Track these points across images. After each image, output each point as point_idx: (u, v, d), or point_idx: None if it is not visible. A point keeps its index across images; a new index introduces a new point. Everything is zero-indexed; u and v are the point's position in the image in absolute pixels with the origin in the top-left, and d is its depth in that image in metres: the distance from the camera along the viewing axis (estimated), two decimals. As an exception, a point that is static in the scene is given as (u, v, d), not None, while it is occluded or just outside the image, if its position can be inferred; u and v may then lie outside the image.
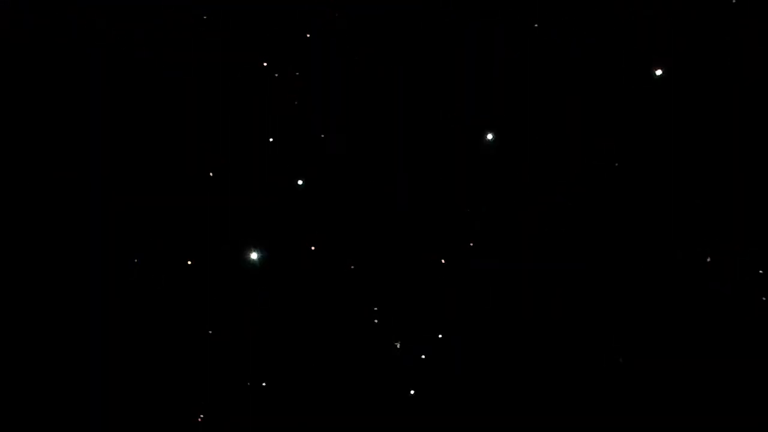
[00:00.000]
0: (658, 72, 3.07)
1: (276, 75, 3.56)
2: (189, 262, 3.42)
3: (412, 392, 3.36)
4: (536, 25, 3.54)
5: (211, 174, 3.48)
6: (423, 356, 3.38)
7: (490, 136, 3.09)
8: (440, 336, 3.40)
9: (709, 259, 3.39)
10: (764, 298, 3.37)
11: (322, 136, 3.41)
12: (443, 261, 3.41)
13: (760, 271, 3.39)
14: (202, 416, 3.32)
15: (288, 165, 3.51)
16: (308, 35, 3.58)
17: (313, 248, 3.45)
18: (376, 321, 3.42)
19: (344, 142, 3.44)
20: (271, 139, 3.52)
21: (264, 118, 3.54)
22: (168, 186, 3.46)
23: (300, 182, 3.26)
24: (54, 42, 3.53)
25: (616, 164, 3.49)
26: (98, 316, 3.33)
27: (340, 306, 3.43)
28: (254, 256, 3.29)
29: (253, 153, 3.51)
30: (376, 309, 3.43)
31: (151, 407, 3.33)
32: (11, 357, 3.32)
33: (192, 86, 3.52)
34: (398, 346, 3.38)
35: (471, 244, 3.45)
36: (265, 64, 3.55)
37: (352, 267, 3.45)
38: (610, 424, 3.30)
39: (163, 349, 3.37)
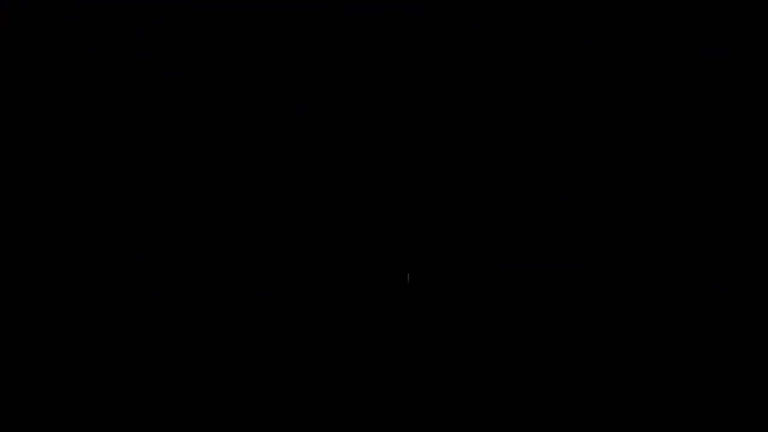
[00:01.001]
0: None
1: (276, 75, 3.56)
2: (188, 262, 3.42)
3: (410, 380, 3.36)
4: (536, 25, 3.54)
5: (210, 174, 3.49)
6: (423, 357, 3.39)
7: None
8: (440, 336, 3.40)
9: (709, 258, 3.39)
10: (764, 298, 3.37)
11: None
12: (457, 261, 3.41)
13: (760, 271, 3.39)
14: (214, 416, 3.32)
15: (288, 165, 3.51)
16: (308, 35, 3.58)
17: (319, 252, 3.45)
18: (375, 321, 3.42)
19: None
20: (271, 140, 3.52)
21: (264, 118, 3.54)
22: (168, 186, 3.47)
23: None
24: (54, 42, 3.53)
25: (616, 164, 3.49)
26: (98, 316, 3.34)
27: (340, 306, 3.43)
28: None
29: (253, 153, 3.51)
30: (375, 309, 3.43)
31: (151, 407, 3.33)
32: (11, 357, 3.32)
33: (192, 86, 3.52)
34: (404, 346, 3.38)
35: (470, 245, 3.45)
36: (265, 64, 3.55)
37: (352, 267, 3.45)
38: (610, 424, 3.30)
39: (163, 349, 3.37)
